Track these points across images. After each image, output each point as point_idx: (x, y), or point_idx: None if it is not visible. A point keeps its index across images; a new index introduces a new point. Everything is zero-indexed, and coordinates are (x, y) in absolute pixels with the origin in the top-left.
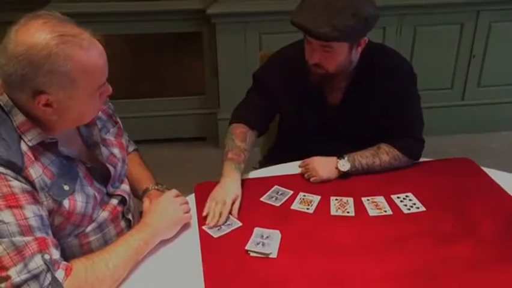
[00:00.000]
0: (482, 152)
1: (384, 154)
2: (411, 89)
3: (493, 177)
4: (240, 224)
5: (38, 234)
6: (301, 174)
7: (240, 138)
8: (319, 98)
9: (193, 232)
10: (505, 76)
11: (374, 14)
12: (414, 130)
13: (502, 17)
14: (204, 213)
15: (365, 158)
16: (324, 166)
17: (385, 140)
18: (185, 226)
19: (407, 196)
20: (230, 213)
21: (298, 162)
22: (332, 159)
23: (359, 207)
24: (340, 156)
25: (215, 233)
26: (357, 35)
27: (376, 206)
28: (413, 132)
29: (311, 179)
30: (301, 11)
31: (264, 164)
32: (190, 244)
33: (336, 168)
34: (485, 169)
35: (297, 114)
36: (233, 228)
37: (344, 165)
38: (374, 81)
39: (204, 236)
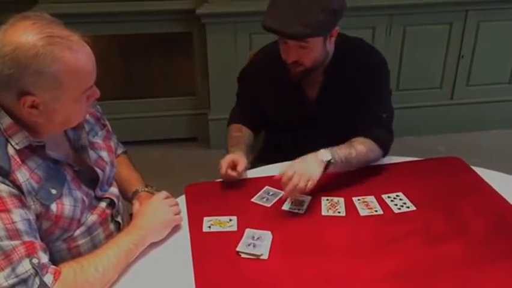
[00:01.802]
0: (472, 150)
1: (359, 145)
2: (382, 81)
3: (482, 176)
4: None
5: (26, 238)
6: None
7: (235, 129)
8: (299, 93)
9: (183, 234)
10: (493, 75)
11: (340, 5)
12: (385, 121)
13: (491, 17)
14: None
15: (341, 149)
16: (305, 162)
17: (357, 132)
18: (176, 228)
19: (397, 196)
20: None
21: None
22: (309, 156)
23: (350, 207)
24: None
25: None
26: (329, 28)
27: (367, 205)
28: (383, 123)
29: (308, 185)
30: (271, 15)
31: (254, 164)
32: (180, 246)
33: (320, 160)
34: (475, 168)
35: (279, 111)
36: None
37: (325, 154)
38: (348, 74)
39: (194, 238)
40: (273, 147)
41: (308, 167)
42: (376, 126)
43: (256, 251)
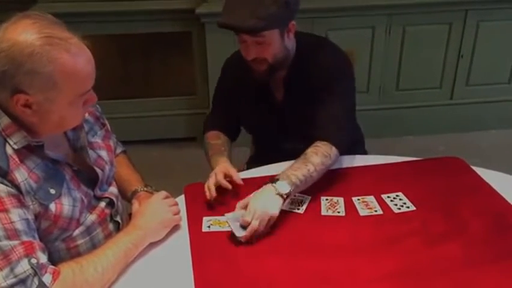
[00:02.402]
0: (471, 150)
1: (313, 156)
2: (337, 80)
3: (482, 176)
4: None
5: (25, 238)
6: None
7: (213, 137)
8: (267, 95)
9: (183, 234)
10: (493, 75)
11: None
12: (341, 121)
13: (490, 16)
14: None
15: (298, 170)
16: (263, 202)
17: (311, 136)
18: (175, 228)
19: (397, 195)
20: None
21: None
22: (266, 190)
23: (350, 207)
24: (271, 179)
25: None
26: (284, 20)
27: (366, 205)
28: (340, 124)
29: (270, 224)
30: (225, 13)
31: (251, 165)
32: (180, 246)
33: (279, 194)
34: (474, 168)
35: (251, 114)
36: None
37: (283, 187)
38: (310, 74)
39: (194, 238)
40: (264, 152)
41: (267, 205)
42: (328, 125)
43: (238, 233)
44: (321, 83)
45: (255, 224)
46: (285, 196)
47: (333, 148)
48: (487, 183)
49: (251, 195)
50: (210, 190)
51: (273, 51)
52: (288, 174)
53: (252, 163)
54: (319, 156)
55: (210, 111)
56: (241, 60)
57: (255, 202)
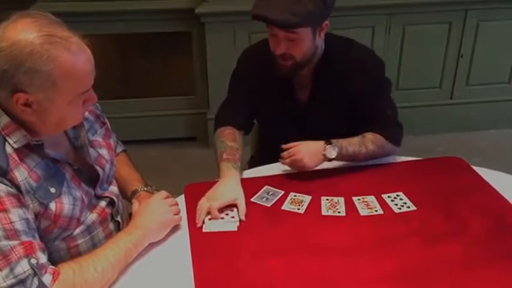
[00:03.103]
0: (471, 150)
1: (369, 143)
2: (381, 80)
3: (483, 176)
4: (236, 229)
5: (24, 238)
6: (283, 162)
7: (230, 138)
8: (290, 96)
9: (183, 234)
10: (493, 75)
11: None
12: (393, 117)
13: (490, 16)
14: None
15: (352, 145)
16: (311, 152)
17: (368, 130)
18: (175, 228)
19: (397, 195)
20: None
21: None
22: (319, 145)
23: (350, 206)
24: (327, 141)
25: (208, 227)
26: (318, 19)
27: (367, 205)
28: (393, 119)
29: (298, 169)
30: (260, 4)
31: (252, 164)
32: (180, 246)
33: (323, 155)
34: (475, 168)
35: (271, 114)
36: (227, 229)
37: (331, 152)
38: (338, 76)
39: (194, 238)
40: (269, 150)
41: (309, 155)
42: (384, 124)
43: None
44: (364, 86)
45: (290, 157)
46: (327, 159)
47: (391, 145)
48: (488, 183)
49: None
50: (200, 215)
51: (302, 49)
52: (342, 144)
53: (255, 162)
54: (374, 146)
55: (224, 103)
56: (264, 54)
57: (304, 146)
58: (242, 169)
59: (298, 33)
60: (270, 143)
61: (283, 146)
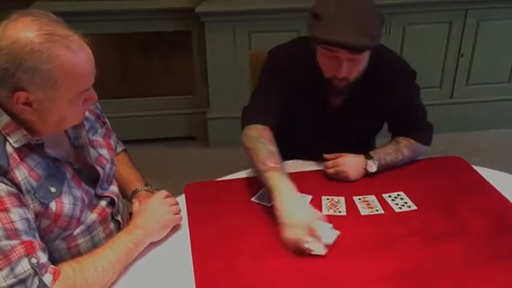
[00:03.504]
0: (471, 150)
1: (404, 148)
2: (413, 84)
3: (483, 175)
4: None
5: (25, 238)
6: (327, 171)
7: (271, 142)
8: (322, 102)
9: (183, 234)
10: (493, 74)
11: (379, 8)
12: (422, 119)
13: (490, 16)
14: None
15: (388, 155)
16: (354, 166)
17: (401, 134)
18: (176, 228)
19: (398, 195)
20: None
21: (289, 162)
22: (361, 159)
23: (351, 206)
24: (367, 155)
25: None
26: (382, 35)
27: (367, 205)
28: (425, 123)
29: (339, 177)
30: (328, 28)
31: None
32: (180, 246)
33: (364, 168)
34: (476, 168)
35: (300, 118)
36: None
37: (372, 166)
38: (375, 85)
39: (194, 238)
40: (286, 151)
41: (353, 168)
42: (417, 127)
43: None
44: (398, 92)
45: (336, 169)
46: (368, 173)
47: (424, 146)
48: (488, 183)
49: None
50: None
51: (360, 69)
52: (380, 156)
53: None
54: (409, 150)
55: (257, 96)
56: (299, 57)
57: (348, 159)
58: (244, 168)
59: (363, 54)
60: (288, 147)
61: (326, 156)
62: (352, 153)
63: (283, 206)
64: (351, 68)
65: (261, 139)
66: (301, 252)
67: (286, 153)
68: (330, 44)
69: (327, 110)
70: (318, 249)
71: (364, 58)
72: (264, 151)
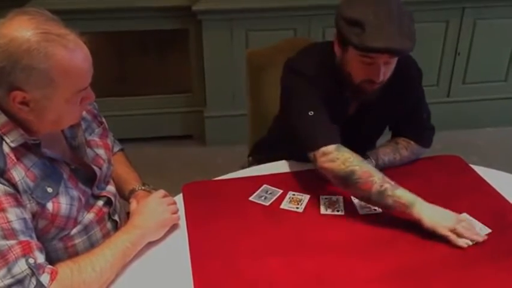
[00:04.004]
0: (468, 148)
1: (403, 149)
2: (421, 88)
3: (481, 174)
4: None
5: (22, 238)
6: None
7: (355, 157)
8: (342, 110)
9: (181, 233)
10: (490, 73)
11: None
12: (428, 122)
13: (487, 14)
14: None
15: (387, 155)
16: None
17: (402, 135)
18: (174, 227)
19: None
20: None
21: (287, 161)
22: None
23: (349, 205)
24: (364, 155)
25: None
26: None
27: (366, 204)
28: (428, 125)
29: None
30: (371, 34)
31: (253, 160)
32: (178, 245)
33: None
34: (473, 166)
35: None
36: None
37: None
38: (387, 89)
39: (192, 237)
40: (278, 145)
41: None
42: (419, 128)
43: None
44: (409, 94)
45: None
46: None
47: (423, 149)
48: (486, 182)
49: None
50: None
51: (391, 70)
52: (378, 156)
53: (258, 152)
54: (408, 151)
55: (305, 122)
56: (326, 68)
57: None
58: (241, 167)
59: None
60: (284, 142)
61: None
62: None
63: (430, 218)
64: (386, 70)
65: (365, 162)
66: (299, 251)
67: (289, 153)
68: (378, 52)
69: (344, 117)
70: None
71: (395, 61)
72: (379, 173)
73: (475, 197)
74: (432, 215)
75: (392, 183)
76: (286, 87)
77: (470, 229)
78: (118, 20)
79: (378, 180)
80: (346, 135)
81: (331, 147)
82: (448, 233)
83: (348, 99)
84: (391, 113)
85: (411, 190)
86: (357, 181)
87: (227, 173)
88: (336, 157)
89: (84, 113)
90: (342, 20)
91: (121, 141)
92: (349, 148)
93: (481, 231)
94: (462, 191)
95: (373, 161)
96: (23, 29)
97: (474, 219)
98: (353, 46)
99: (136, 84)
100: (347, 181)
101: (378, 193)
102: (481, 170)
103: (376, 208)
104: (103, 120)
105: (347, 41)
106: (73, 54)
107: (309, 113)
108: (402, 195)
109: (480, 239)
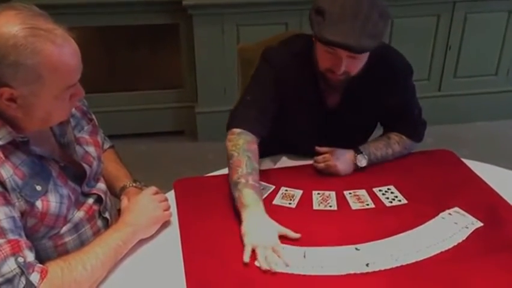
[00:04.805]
0: (459, 142)
1: (395, 144)
2: (410, 84)
3: (472, 168)
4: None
5: (11, 237)
6: (317, 165)
7: (256, 158)
8: (318, 100)
9: (173, 230)
10: (480, 67)
11: (386, 5)
12: (419, 115)
13: (478, 8)
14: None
15: (379, 150)
16: (344, 160)
17: (394, 131)
18: (165, 224)
19: (388, 189)
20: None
21: (280, 157)
22: (350, 154)
23: (341, 200)
24: (357, 150)
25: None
26: (385, 34)
27: (358, 199)
28: (419, 120)
29: (329, 171)
30: (330, 26)
31: None
32: (170, 243)
33: (354, 163)
34: (465, 160)
35: (294, 115)
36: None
37: (362, 161)
38: (372, 83)
39: (184, 234)
40: (267, 143)
41: (343, 163)
42: (410, 123)
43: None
44: (397, 89)
45: (326, 163)
46: (358, 167)
47: (415, 143)
48: (477, 176)
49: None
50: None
51: (360, 65)
52: (370, 151)
53: None
54: (400, 146)
55: (247, 102)
56: (295, 55)
57: (338, 152)
58: None
59: (364, 53)
60: (282, 144)
61: (318, 149)
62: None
63: (246, 229)
64: (350, 64)
65: (248, 153)
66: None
67: (280, 150)
68: (331, 45)
69: (324, 109)
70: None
71: (365, 56)
72: (248, 167)
73: (466, 191)
74: (251, 225)
75: (251, 182)
76: (254, 72)
77: (271, 261)
78: (108, 14)
79: (241, 173)
80: (332, 127)
81: (237, 130)
82: (248, 248)
83: (322, 89)
84: (377, 106)
85: (403, 184)
86: (230, 165)
87: (219, 168)
88: (233, 139)
89: (73, 109)
90: (313, 7)
91: (111, 137)
92: (339, 142)
93: (472, 225)
94: (453, 185)
95: (366, 156)
96: (9, 24)
97: (466, 213)
98: (313, 34)
99: (127, 80)
100: (227, 162)
101: (234, 183)
102: (472, 164)
103: (369, 203)
104: (93, 117)
105: (311, 28)
106: (61, 49)
107: (248, 98)
108: (246, 195)
109: (273, 270)
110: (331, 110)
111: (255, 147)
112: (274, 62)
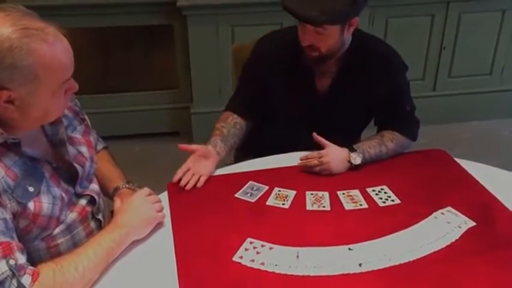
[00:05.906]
0: (453, 142)
1: (389, 142)
2: (403, 79)
3: (466, 167)
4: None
5: (2, 239)
6: (307, 167)
7: (221, 120)
8: (309, 84)
9: (166, 232)
10: (475, 66)
11: None
12: (412, 113)
13: (472, 8)
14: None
15: (372, 148)
16: (338, 158)
17: (386, 128)
18: (158, 225)
19: (382, 189)
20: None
21: (273, 157)
22: (344, 152)
23: (335, 201)
24: (351, 148)
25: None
26: (348, 17)
27: (351, 199)
28: (412, 117)
29: (322, 169)
30: None
31: (239, 158)
32: (163, 244)
33: (348, 161)
34: (458, 160)
35: (285, 101)
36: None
37: (356, 159)
38: (364, 71)
39: (178, 236)
40: (261, 138)
41: (336, 163)
42: (403, 121)
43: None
44: (387, 84)
45: (320, 161)
46: (352, 166)
47: (409, 141)
48: (471, 175)
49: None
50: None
51: (328, 43)
52: (364, 149)
53: (241, 155)
54: (394, 144)
55: (235, 90)
56: (284, 47)
57: (331, 150)
58: (226, 164)
59: (326, 29)
60: (270, 138)
61: (316, 137)
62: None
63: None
64: (316, 40)
65: (220, 132)
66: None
67: (272, 140)
68: (284, 9)
69: (314, 93)
70: None
71: (330, 34)
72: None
73: (459, 191)
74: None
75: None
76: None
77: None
78: (102, 15)
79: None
80: (323, 113)
81: (228, 112)
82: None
83: (313, 73)
84: (367, 95)
85: (396, 184)
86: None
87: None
88: (220, 118)
89: (65, 110)
90: None
91: (106, 138)
92: (331, 131)
93: (465, 224)
94: (447, 184)
95: (360, 154)
96: (1, 27)
97: (458, 213)
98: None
99: (121, 81)
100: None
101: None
102: (466, 164)
103: (362, 204)
104: (85, 117)
105: None
106: (54, 47)
107: (240, 85)
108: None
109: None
110: (321, 94)
111: (224, 115)
112: (262, 52)
